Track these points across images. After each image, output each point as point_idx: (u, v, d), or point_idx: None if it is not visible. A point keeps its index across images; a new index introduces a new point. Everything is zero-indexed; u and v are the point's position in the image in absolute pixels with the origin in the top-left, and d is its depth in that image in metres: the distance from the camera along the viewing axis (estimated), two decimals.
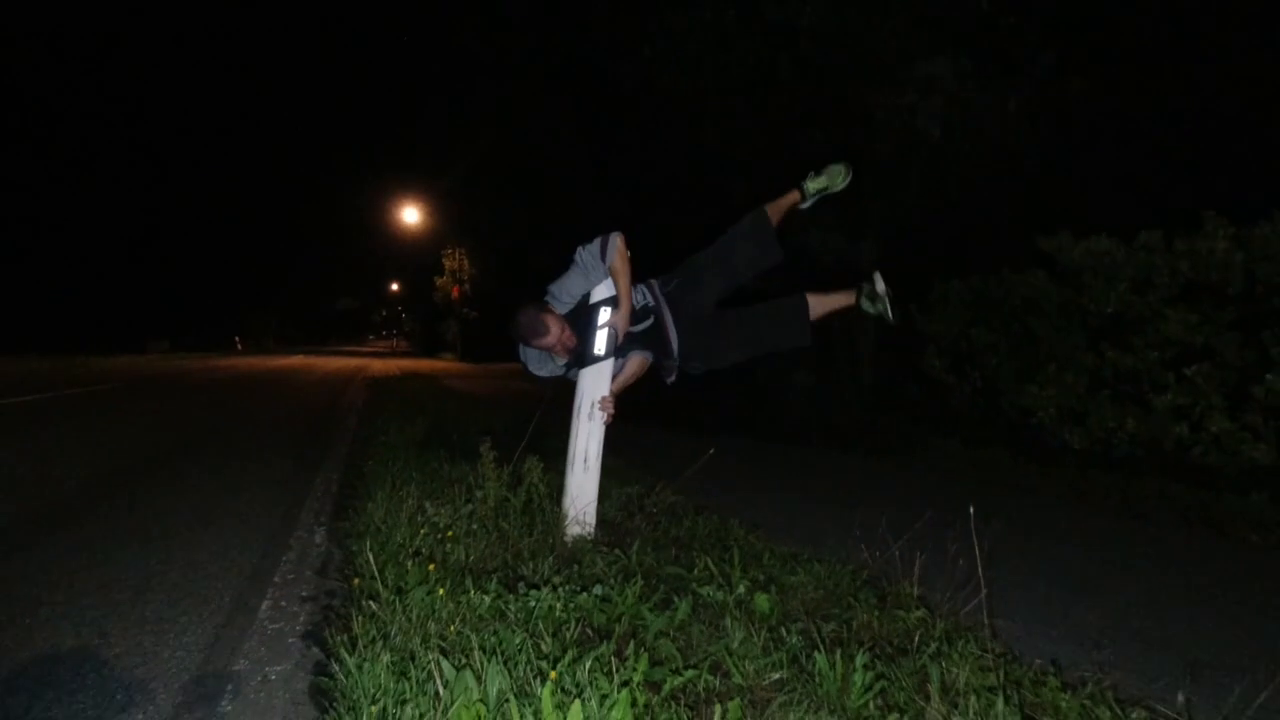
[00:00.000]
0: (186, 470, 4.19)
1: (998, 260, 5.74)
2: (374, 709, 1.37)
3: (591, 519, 2.68)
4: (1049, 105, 6.25)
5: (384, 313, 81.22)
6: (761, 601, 2.01)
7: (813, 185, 3.06)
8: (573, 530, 2.62)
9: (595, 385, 2.71)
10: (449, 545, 2.35)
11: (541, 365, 2.83)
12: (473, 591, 1.90)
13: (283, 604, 2.17)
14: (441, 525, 2.46)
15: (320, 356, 28.94)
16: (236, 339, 38.90)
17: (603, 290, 2.72)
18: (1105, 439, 4.76)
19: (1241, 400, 4.26)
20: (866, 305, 3.01)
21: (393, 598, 1.86)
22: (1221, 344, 4.34)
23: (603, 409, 2.70)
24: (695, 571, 2.28)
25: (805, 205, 3.09)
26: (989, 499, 4.16)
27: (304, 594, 2.25)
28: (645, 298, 2.85)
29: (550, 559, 2.32)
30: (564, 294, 2.71)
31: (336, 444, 5.16)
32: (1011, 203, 6.57)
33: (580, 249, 2.70)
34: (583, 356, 2.75)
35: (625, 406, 2.86)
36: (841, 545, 2.59)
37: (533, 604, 1.88)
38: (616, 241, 2.66)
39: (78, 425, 6.01)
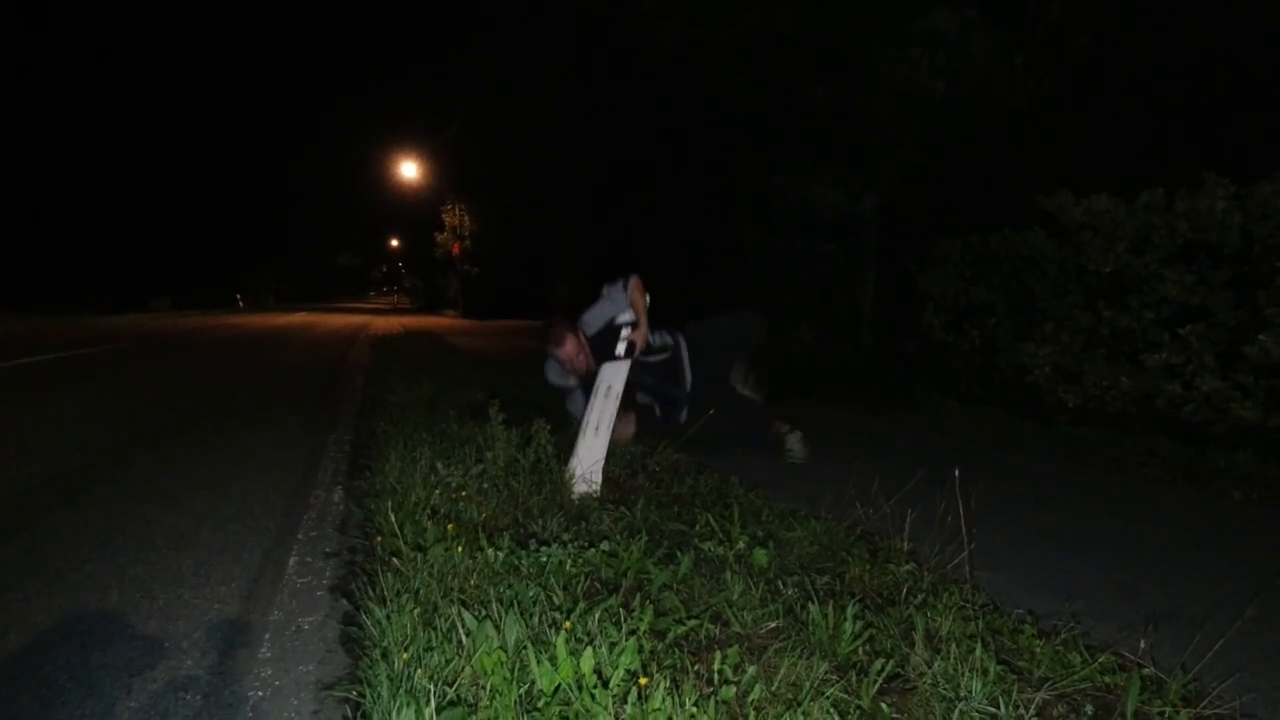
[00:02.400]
0: (205, 431, 4.33)
1: (999, 218, 5.75)
2: (405, 655, 1.50)
3: (598, 478, 2.81)
4: (1055, 60, 6.17)
5: (384, 269, 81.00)
6: (760, 556, 2.14)
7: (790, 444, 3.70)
8: (580, 488, 2.74)
9: (614, 375, 3.10)
10: (462, 504, 2.47)
11: (557, 375, 3.53)
12: (488, 548, 2.02)
13: (308, 559, 2.30)
14: (454, 485, 2.58)
15: (322, 314, 29.03)
16: (238, 297, 38.88)
17: (626, 317, 3.45)
18: (1099, 397, 4.86)
19: (1233, 360, 4.35)
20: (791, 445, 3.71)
21: (414, 554, 1.98)
22: (1216, 304, 4.40)
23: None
24: (697, 528, 2.41)
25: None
26: (982, 455, 4.30)
27: (327, 550, 2.39)
28: (665, 338, 3.66)
29: (559, 516, 2.45)
30: (593, 319, 3.50)
31: (346, 404, 5.29)
32: (1014, 160, 6.54)
33: (606, 285, 3.55)
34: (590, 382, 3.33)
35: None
36: (837, 503, 2.71)
37: (544, 559, 2.01)
38: (634, 280, 3.51)
39: (96, 387, 6.15)
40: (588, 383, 3.47)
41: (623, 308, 3.46)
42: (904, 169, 6.76)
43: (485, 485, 2.62)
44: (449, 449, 3.22)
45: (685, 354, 3.62)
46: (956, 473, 1.94)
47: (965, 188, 6.68)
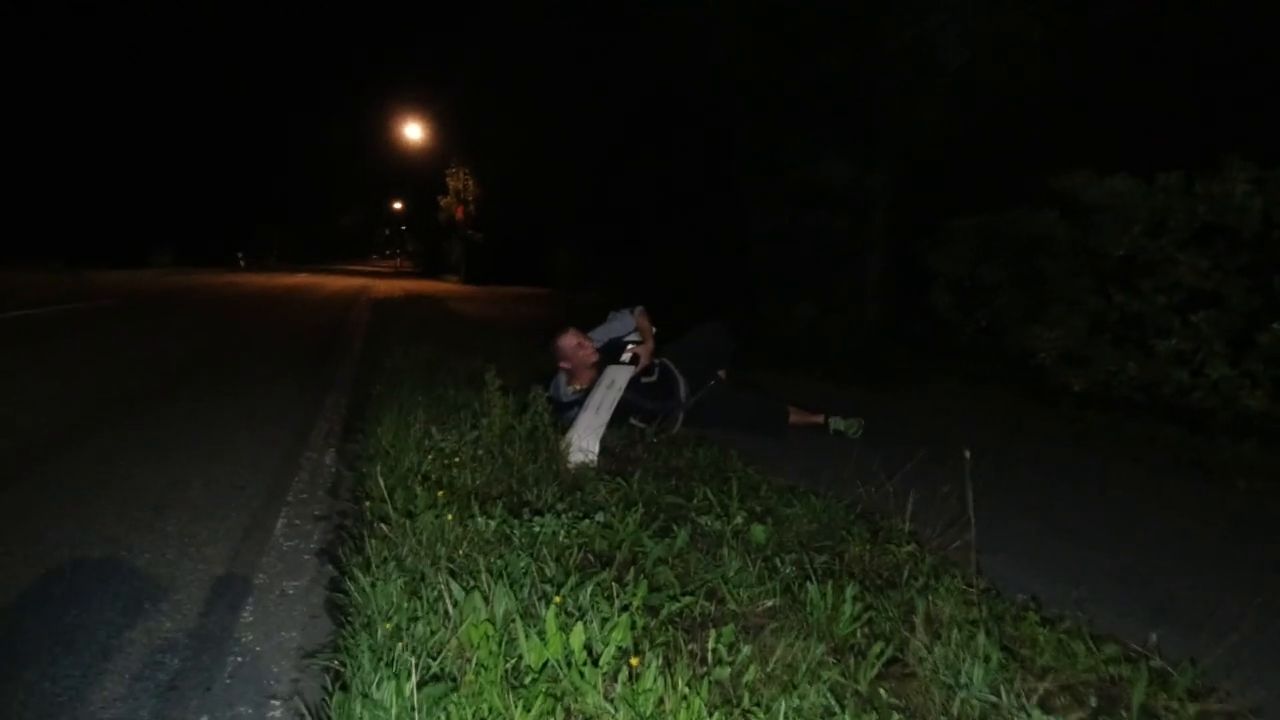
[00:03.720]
0: (200, 389, 4.27)
1: (1012, 197, 5.63)
2: (388, 625, 1.45)
3: (595, 449, 2.76)
4: (1074, 37, 5.98)
5: (387, 231, 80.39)
6: (758, 532, 2.09)
7: (837, 424, 3.77)
8: (576, 458, 2.69)
9: (618, 373, 3.26)
10: (455, 470, 2.42)
11: (559, 393, 3.46)
12: (479, 516, 1.97)
13: (296, 522, 2.26)
14: (448, 451, 2.53)
15: (324, 275, 28.83)
16: (239, 255, 38.59)
17: (633, 336, 3.64)
18: (1105, 382, 4.80)
19: (1244, 347, 4.27)
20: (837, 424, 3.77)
21: (403, 521, 1.93)
22: (1231, 289, 4.31)
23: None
24: (694, 501, 2.36)
25: (828, 431, 3.78)
26: (986, 436, 4.24)
27: (316, 513, 2.34)
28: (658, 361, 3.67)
29: (554, 486, 2.40)
30: (601, 335, 3.65)
31: (343, 366, 5.23)
32: (1028, 138, 6.38)
33: (613, 310, 3.76)
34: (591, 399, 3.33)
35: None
36: (837, 479, 2.66)
37: (537, 529, 1.96)
38: (640, 309, 3.72)
39: (93, 341, 6.10)
40: (624, 407, 3.52)
41: (629, 328, 3.66)
42: (915, 144, 6.59)
43: (480, 452, 2.56)
44: (445, 413, 3.17)
45: (674, 367, 3.61)
46: (967, 454, 1.87)
47: (976, 166, 6.52)
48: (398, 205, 56.59)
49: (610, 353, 3.58)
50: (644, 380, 3.51)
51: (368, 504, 2.16)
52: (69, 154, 29.29)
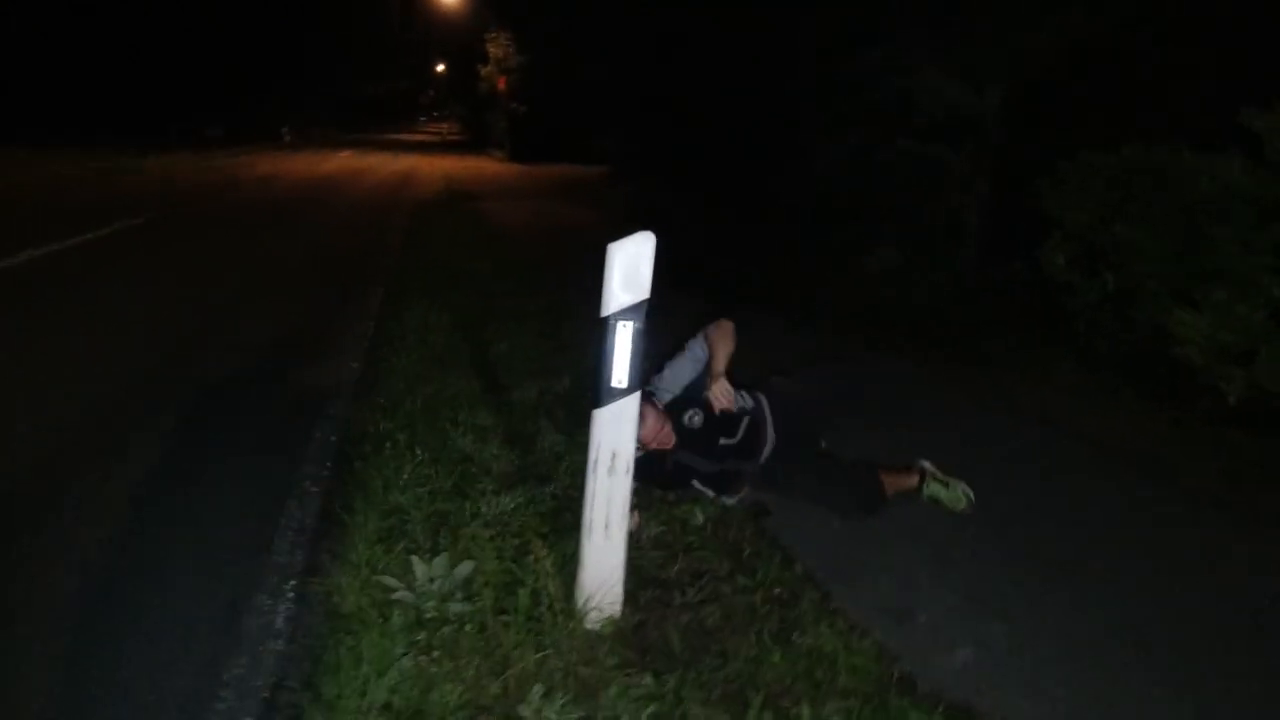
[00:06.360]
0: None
1: (1171, 133, 4.36)
2: None
3: (618, 597, 2.11)
4: None
5: (432, 92, 77.82)
6: None
7: (935, 491, 2.87)
8: (592, 619, 2.05)
9: (615, 432, 1.99)
10: (434, 668, 1.83)
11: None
12: None
13: None
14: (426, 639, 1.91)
15: (367, 154, 27.90)
16: (284, 130, 37.57)
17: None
18: (1275, 394, 3.80)
19: None
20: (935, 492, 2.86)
21: None
22: None
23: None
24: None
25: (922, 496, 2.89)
26: (1096, 468, 3.41)
27: None
28: (744, 399, 2.81)
29: (560, 697, 1.79)
30: (672, 381, 2.78)
31: (350, 349, 4.62)
32: (1201, 53, 4.87)
33: (688, 340, 2.80)
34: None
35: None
36: (943, 617, 1.97)
37: None
38: (718, 326, 2.73)
39: (166, 262, 6.73)
40: (682, 471, 2.74)
41: (701, 360, 2.76)
42: (1037, 55, 5.10)
43: (467, 628, 1.95)
44: (443, 501, 2.57)
45: (769, 415, 2.80)
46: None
47: (1124, 85, 5.08)
48: (441, 68, 53.96)
49: (680, 412, 2.76)
50: (723, 442, 2.74)
51: None
52: (119, 33, 28.46)
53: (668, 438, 2.68)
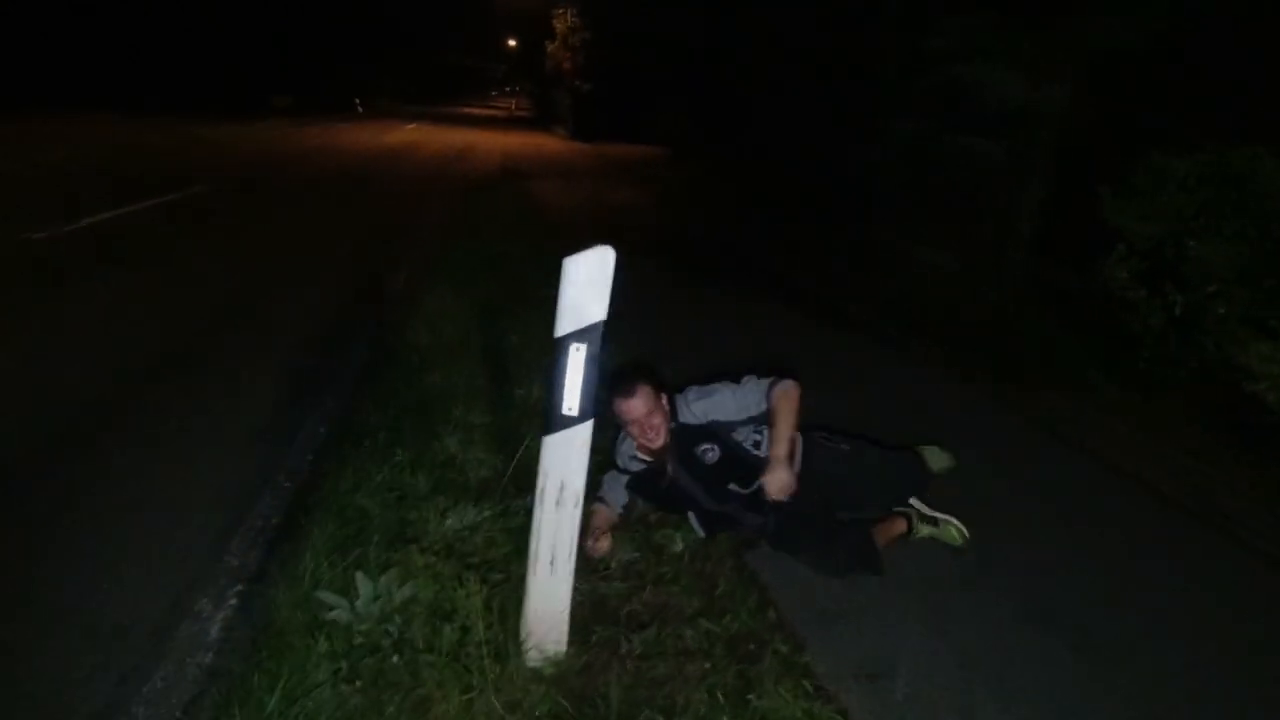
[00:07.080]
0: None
1: (1255, 134, 3.88)
2: None
3: (562, 637, 1.96)
4: None
5: (504, 67, 78.45)
6: None
7: (926, 531, 2.63)
8: (533, 658, 1.92)
9: (565, 461, 1.82)
10: (354, 699, 1.73)
11: (616, 454, 2.68)
12: None
13: None
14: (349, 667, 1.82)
15: (434, 126, 28.19)
16: (357, 101, 38.35)
17: (754, 435, 2.57)
18: None
19: None
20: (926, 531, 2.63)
21: None
22: None
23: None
24: None
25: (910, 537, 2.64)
26: (1149, 517, 3.06)
27: None
28: (839, 445, 2.65)
29: None
30: (702, 410, 2.55)
31: (363, 335, 4.59)
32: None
33: (750, 375, 2.60)
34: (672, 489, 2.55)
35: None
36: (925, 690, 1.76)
37: None
38: (790, 382, 2.51)
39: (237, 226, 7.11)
40: (679, 496, 2.55)
41: (751, 410, 2.54)
42: (1106, 44, 4.58)
43: (395, 659, 1.84)
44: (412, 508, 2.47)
45: (815, 483, 2.53)
46: None
47: (1204, 80, 4.54)
48: (512, 42, 54.21)
49: (695, 441, 2.52)
50: (732, 488, 2.50)
51: None
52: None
53: (655, 433, 2.47)
